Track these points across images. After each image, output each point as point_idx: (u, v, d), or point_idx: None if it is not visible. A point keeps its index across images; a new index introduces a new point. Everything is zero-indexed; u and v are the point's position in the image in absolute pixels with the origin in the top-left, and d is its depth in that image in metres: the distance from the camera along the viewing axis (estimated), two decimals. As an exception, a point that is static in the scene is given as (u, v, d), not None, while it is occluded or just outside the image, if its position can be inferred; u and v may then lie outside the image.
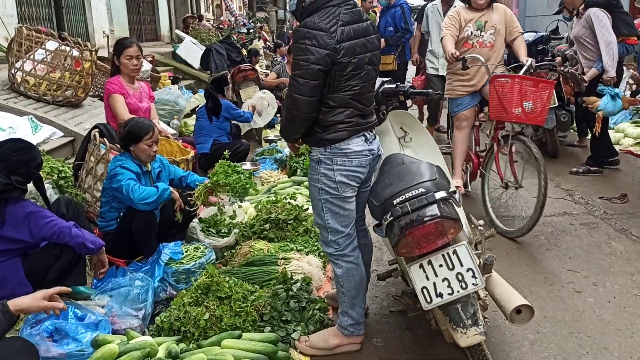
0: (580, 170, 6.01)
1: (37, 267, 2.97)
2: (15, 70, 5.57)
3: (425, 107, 7.99)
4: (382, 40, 7.51)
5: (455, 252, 2.32)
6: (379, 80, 3.29)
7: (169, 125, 6.76)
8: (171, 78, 9.61)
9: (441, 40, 4.75)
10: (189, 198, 3.72)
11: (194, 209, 3.70)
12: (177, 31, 14.14)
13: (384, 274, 3.20)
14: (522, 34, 4.89)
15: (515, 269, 3.83)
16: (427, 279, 2.30)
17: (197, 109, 8.04)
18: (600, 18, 5.42)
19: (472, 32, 4.67)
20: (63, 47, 5.62)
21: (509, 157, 4.47)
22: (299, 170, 5.46)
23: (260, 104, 7.08)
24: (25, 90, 5.61)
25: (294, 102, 2.48)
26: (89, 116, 5.81)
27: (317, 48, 2.39)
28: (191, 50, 11.40)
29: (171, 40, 14.52)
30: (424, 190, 2.30)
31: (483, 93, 4.75)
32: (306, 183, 5.12)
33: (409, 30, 7.34)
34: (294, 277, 3.31)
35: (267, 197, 4.85)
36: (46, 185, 3.75)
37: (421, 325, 3.05)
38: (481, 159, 4.88)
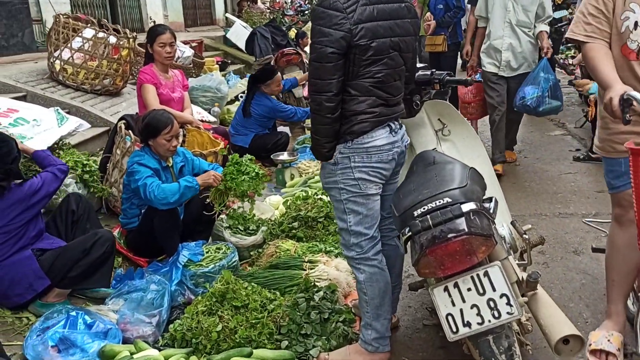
0: (581, 157, 5.70)
1: (62, 261, 2.86)
2: (54, 59, 5.54)
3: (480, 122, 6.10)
4: (434, 23, 6.98)
5: (486, 273, 1.97)
6: (413, 69, 2.96)
7: (209, 112, 6.61)
8: (219, 63, 9.47)
9: (568, 43, 3.69)
10: (207, 201, 3.50)
11: (212, 213, 3.47)
12: (228, 14, 14.03)
13: (417, 283, 2.88)
14: None
15: (570, 276, 3.42)
16: (453, 304, 1.98)
17: (240, 95, 7.90)
18: None
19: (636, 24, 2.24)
20: (100, 35, 5.52)
21: None
22: (338, 161, 5.16)
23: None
24: (64, 80, 5.58)
25: (315, 87, 2.26)
26: (128, 105, 5.72)
27: (330, 29, 2.18)
28: (241, 34, 11.19)
29: (226, 24, 14.40)
30: (449, 200, 1.96)
31: None
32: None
33: (461, 8, 6.80)
34: (317, 285, 3.04)
35: (301, 190, 4.58)
36: (69, 180, 3.65)
37: (457, 344, 2.72)
38: None
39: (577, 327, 2.25)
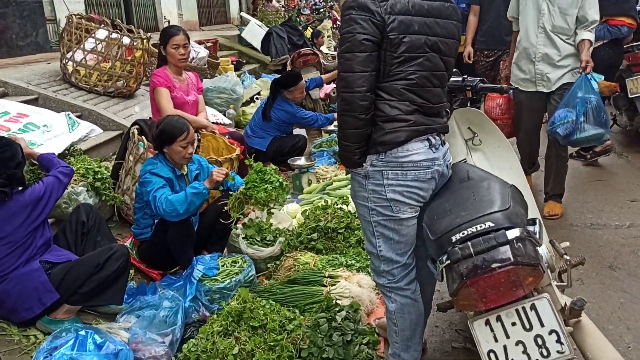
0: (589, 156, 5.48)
1: (73, 275, 2.72)
2: (66, 61, 5.41)
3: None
4: None
5: (533, 307, 1.79)
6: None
7: (224, 115, 6.46)
8: (234, 63, 9.32)
9: None
10: (224, 209, 3.34)
11: (229, 221, 3.31)
12: (243, 13, 13.89)
13: (445, 304, 2.68)
14: None
15: (607, 294, 3.21)
16: (496, 340, 1.79)
17: (256, 97, 7.75)
18: None
19: None
20: (114, 35, 5.38)
21: None
22: (357, 166, 4.96)
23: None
24: (77, 82, 5.45)
25: (345, 83, 2.02)
26: (141, 107, 5.59)
27: (362, 15, 1.98)
28: (256, 33, 11.03)
29: (240, 23, 14.26)
30: (492, 224, 1.78)
31: None
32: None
33: None
34: (339, 303, 2.87)
35: (320, 197, 4.41)
36: (80, 189, 3.51)
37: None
38: None
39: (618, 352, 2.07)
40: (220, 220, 3.40)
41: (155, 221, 3.42)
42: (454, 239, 1.80)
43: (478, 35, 6.01)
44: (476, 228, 1.78)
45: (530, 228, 1.87)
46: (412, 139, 2.07)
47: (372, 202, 2.14)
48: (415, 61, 2.05)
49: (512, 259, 1.70)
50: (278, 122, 5.50)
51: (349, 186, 4.52)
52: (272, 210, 3.41)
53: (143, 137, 3.85)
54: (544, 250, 2.40)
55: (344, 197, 4.13)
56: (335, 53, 11.36)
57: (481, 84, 2.66)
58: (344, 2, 2.06)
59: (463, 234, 1.79)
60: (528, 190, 2.81)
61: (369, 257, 2.32)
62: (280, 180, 3.33)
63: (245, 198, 3.28)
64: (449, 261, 1.77)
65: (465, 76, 2.70)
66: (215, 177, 3.27)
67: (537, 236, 1.82)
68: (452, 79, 2.74)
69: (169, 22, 11.68)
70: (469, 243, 1.75)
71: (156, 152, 3.44)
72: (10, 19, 7.31)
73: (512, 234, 1.73)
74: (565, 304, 2.12)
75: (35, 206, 2.71)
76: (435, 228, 1.92)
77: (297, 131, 6.18)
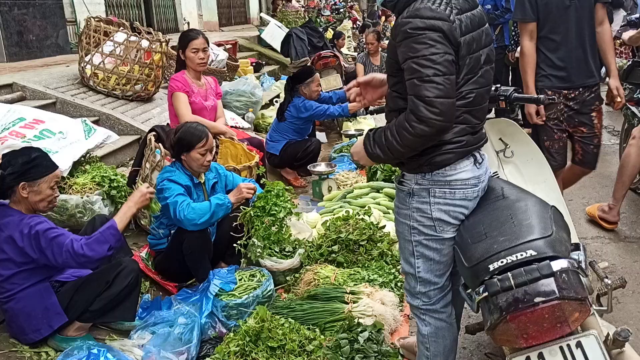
0: None
1: (83, 294, 2.62)
2: (85, 64, 5.36)
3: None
4: None
5: (579, 344, 1.63)
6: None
7: (243, 118, 6.36)
8: (254, 65, 9.23)
9: None
10: (234, 223, 3.22)
11: (240, 235, 3.18)
12: (263, 14, 13.79)
13: (474, 326, 2.53)
14: None
15: (646, 315, 3.03)
16: (536, 379, 1.64)
17: (275, 99, 7.64)
18: None
19: None
20: (132, 38, 5.31)
21: None
22: (379, 173, 4.81)
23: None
24: (95, 85, 5.39)
25: (436, 108, 1.73)
26: (159, 111, 5.51)
27: (442, 35, 1.76)
28: (276, 34, 10.94)
29: (260, 24, 14.19)
30: (534, 253, 1.62)
31: None
32: (386, 189, 4.49)
33: (509, 9, 6.36)
34: (361, 323, 2.73)
35: (340, 206, 4.28)
36: (95, 198, 3.42)
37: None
38: None
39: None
40: (232, 233, 3.27)
41: (172, 231, 3.32)
42: (491, 267, 1.65)
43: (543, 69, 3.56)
44: (516, 257, 1.63)
45: (575, 255, 1.71)
46: (460, 159, 1.93)
47: (414, 221, 2.00)
48: (473, 79, 1.89)
49: (557, 293, 1.54)
50: (292, 120, 5.33)
51: (371, 195, 4.45)
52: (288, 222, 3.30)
53: (160, 144, 3.75)
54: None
55: (366, 207, 3.99)
56: (355, 54, 11.20)
57: (516, 94, 2.50)
58: (406, 23, 1.79)
59: (502, 262, 1.64)
60: (564, 207, 2.65)
61: (394, 266, 2.19)
62: (288, 206, 3.26)
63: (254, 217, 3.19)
64: (486, 293, 1.62)
65: (498, 85, 2.54)
66: (245, 194, 3.17)
67: (583, 265, 1.66)
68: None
69: (188, 23, 11.65)
70: (509, 274, 1.60)
71: (173, 160, 3.34)
72: (30, 21, 7.31)
73: (558, 265, 1.57)
74: (608, 334, 1.96)
75: (37, 239, 2.51)
76: (470, 254, 1.76)
77: (317, 135, 6.04)
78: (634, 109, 4.59)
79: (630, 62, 4.72)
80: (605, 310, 2.20)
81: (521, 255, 1.62)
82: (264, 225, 3.20)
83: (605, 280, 2.15)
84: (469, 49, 1.83)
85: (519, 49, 5.07)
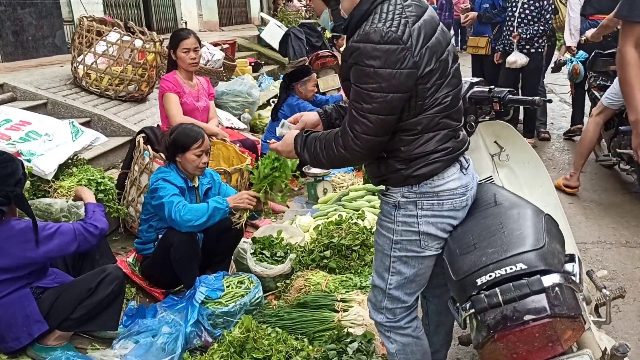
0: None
1: (64, 301, 2.54)
2: (77, 64, 5.27)
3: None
4: (474, 14, 6.57)
5: (572, 365, 1.53)
6: (465, 82, 2.53)
7: (239, 119, 6.27)
8: (252, 64, 9.14)
9: None
10: (232, 225, 3.12)
11: (237, 223, 3.07)
12: (262, 14, 13.72)
13: (469, 336, 2.43)
14: None
15: (647, 324, 2.92)
16: (527, 400, 1.54)
17: (272, 99, 7.54)
18: None
19: None
20: (126, 38, 5.23)
21: None
22: (376, 175, 4.71)
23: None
24: (87, 86, 5.31)
25: (360, 142, 1.75)
26: (152, 112, 5.42)
27: (393, 70, 1.66)
28: (275, 34, 10.84)
29: (261, 23, 14.10)
30: (524, 266, 1.53)
31: None
32: (382, 193, 4.39)
33: (506, 8, 6.28)
34: (351, 333, 2.64)
35: (334, 209, 4.18)
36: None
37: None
38: None
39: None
40: (231, 224, 3.18)
41: (159, 236, 3.23)
42: (479, 282, 1.55)
43: None
44: (505, 270, 1.53)
45: (569, 267, 1.61)
46: (448, 167, 1.84)
47: (397, 235, 1.90)
48: (445, 82, 1.80)
49: (548, 310, 1.44)
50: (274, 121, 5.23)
51: (366, 197, 4.35)
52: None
53: (149, 146, 3.66)
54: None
55: (360, 211, 3.89)
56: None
57: (510, 96, 2.40)
58: (355, 49, 1.70)
59: (490, 276, 1.54)
60: (561, 213, 2.55)
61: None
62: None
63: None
64: (473, 310, 1.52)
65: (493, 87, 2.44)
66: (246, 205, 3.03)
67: (577, 279, 1.56)
68: (477, 89, 2.50)
69: (185, 23, 11.56)
70: (497, 289, 1.50)
71: (166, 162, 3.26)
72: (26, 20, 7.23)
73: (549, 280, 1.47)
74: (606, 349, 1.86)
75: (35, 240, 2.46)
76: (458, 266, 1.67)
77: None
78: (597, 93, 5.17)
79: (594, 53, 5.26)
80: (603, 322, 2.12)
81: (510, 269, 1.53)
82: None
83: (604, 290, 2.06)
84: (432, 56, 1.73)
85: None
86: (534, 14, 5.98)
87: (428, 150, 1.79)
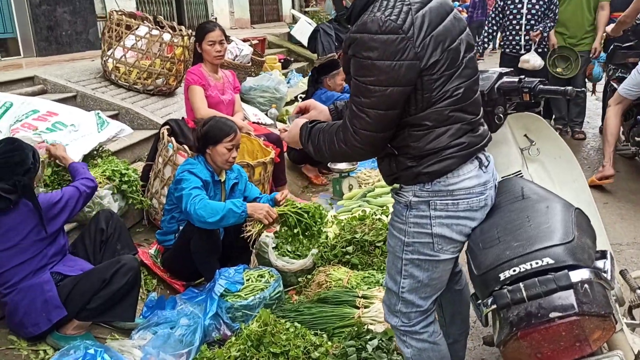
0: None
1: (80, 291, 2.54)
2: (107, 58, 5.32)
3: None
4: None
5: (601, 367, 1.43)
6: (494, 72, 2.43)
7: (266, 114, 6.25)
8: (282, 61, 9.12)
9: None
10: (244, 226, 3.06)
11: (247, 235, 3.01)
12: (293, 11, 13.69)
13: (493, 336, 2.33)
14: None
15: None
16: (552, 403, 1.44)
17: (300, 95, 7.49)
18: None
19: None
20: (154, 32, 5.24)
21: None
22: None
23: None
24: (116, 79, 5.35)
25: (359, 138, 1.68)
26: (180, 106, 5.42)
27: (392, 62, 1.57)
28: (305, 31, 10.76)
29: (292, 21, 14.09)
30: (551, 261, 1.43)
31: None
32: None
33: None
34: (371, 330, 2.57)
35: (359, 205, 4.11)
36: (105, 192, 3.33)
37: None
38: None
39: None
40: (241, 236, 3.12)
41: (180, 227, 3.21)
42: (502, 276, 1.47)
43: None
44: (530, 265, 1.44)
45: (600, 264, 1.51)
46: (464, 163, 1.73)
47: (409, 236, 1.80)
48: (456, 73, 1.69)
49: (576, 308, 1.35)
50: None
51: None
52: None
53: (173, 138, 3.65)
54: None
55: (385, 207, 3.81)
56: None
57: (541, 86, 2.29)
58: (353, 40, 1.62)
59: (514, 271, 1.45)
60: (594, 210, 2.43)
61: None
62: (315, 230, 3.14)
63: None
64: (495, 305, 1.44)
65: (523, 76, 2.34)
66: (262, 218, 2.96)
67: (609, 276, 1.46)
68: (507, 79, 2.39)
69: (215, 19, 11.61)
70: (521, 284, 1.41)
71: (196, 153, 3.24)
72: (60, 16, 7.36)
73: (577, 275, 1.38)
74: (639, 352, 1.75)
75: (47, 214, 2.53)
76: (480, 260, 1.58)
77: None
78: (616, 85, 5.26)
79: (612, 46, 5.44)
80: (638, 325, 2.01)
81: (536, 263, 1.43)
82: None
83: (638, 291, 1.95)
84: (441, 43, 1.63)
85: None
86: (543, 8, 5.80)
87: (440, 146, 1.69)
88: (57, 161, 3.12)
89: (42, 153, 3.06)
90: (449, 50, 1.64)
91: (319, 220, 3.15)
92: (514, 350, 1.43)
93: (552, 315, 1.36)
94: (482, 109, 1.88)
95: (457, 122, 1.70)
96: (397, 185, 1.87)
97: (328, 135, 1.78)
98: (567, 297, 1.36)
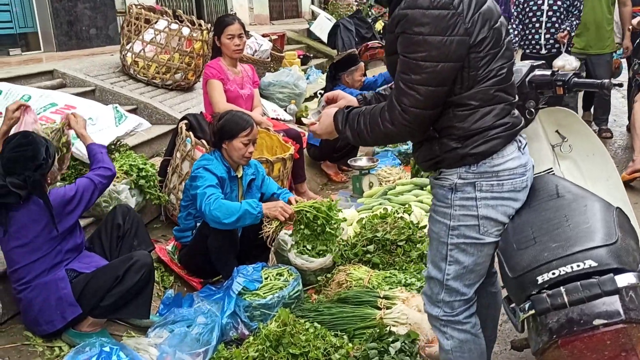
0: None
1: (93, 288, 2.49)
2: (126, 52, 5.29)
3: None
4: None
5: (649, 378, 1.33)
6: (525, 64, 2.34)
7: (285, 110, 6.18)
8: (301, 57, 9.05)
9: None
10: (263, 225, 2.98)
11: (264, 232, 2.92)
12: (313, 7, 13.63)
13: (522, 341, 2.23)
14: None
15: None
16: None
17: (319, 92, 7.42)
18: None
19: None
20: (173, 26, 5.20)
21: None
22: (424, 169, 4.51)
23: None
24: (135, 73, 5.32)
25: (408, 116, 1.66)
26: (198, 101, 5.37)
27: (443, 37, 1.57)
28: (325, 27, 10.69)
29: (312, 17, 14.02)
30: (594, 264, 1.34)
31: None
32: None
33: None
34: (394, 332, 2.48)
35: (380, 203, 4.02)
36: (122, 187, 3.28)
37: None
38: None
39: None
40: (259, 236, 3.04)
41: (198, 224, 3.15)
42: (540, 279, 1.37)
43: None
44: (571, 268, 1.34)
45: (644, 267, 1.41)
46: (507, 144, 1.72)
47: (455, 220, 1.76)
48: (500, 54, 1.69)
49: (622, 315, 1.25)
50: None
51: (414, 192, 4.17)
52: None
53: (191, 132, 3.60)
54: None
55: (407, 205, 3.72)
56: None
57: (575, 79, 2.19)
58: (402, 17, 1.60)
59: (553, 274, 1.36)
60: (630, 209, 2.32)
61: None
62: (332, 231, 3.03)
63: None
64: (533, 310, 1.35)
65: (556, 69, 2.23)
66: (279, 216, 2.87)
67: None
68: (539, 72, 2.29)
69: (235, 13, 11.58)
70: (561, 288, 1.31)
71: (212, 148, 3.18)
72: (80, 11, 7.37)
73: (624, 280, 1.28)
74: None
75: (61, 210, 2.47)
76: (515, 262, 1.49)
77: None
78: None
79: (638, 41, 5.37)
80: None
81: (578, 266, 1.34)
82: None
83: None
84: (488, 21, 1.63)
85: None
86: (566, 4, 5.36)
87: (486, 126, 1.67)
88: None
89: (59, 120, 3.03)
90: (494, 29, 1.65)
91: (335, 215, 3.05)
92: (554, 358, 1.33)
93: (596, 322, 1.26)
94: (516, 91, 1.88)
95: (501, 102, 1.70)
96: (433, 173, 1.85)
97: (370, 117, 1.75)
98: (613, 303, 1.27)
